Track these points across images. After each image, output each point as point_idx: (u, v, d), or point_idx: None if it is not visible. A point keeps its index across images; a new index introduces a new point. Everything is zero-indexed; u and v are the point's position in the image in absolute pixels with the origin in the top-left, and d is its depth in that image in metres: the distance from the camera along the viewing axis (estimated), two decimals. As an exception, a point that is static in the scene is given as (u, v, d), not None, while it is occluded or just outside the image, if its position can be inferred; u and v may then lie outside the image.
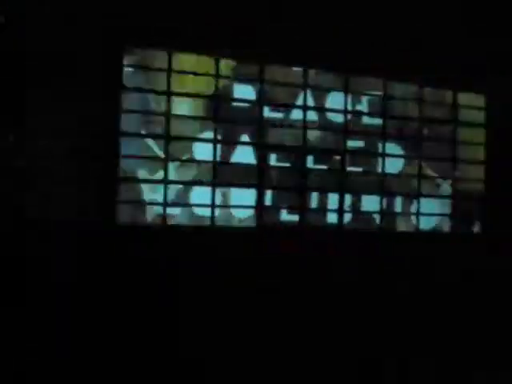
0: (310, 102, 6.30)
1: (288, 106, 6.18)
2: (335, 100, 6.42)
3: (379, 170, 6.56)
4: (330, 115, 6.39)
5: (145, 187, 5.56)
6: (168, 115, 5.59)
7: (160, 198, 5.58)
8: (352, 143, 6.49)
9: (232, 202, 5.92)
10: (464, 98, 7.05)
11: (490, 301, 6.68)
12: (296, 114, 6.20)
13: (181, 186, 5.74)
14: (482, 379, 5.71)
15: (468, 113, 7.11)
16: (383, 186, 6.56)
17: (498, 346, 6.38)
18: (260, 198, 5.90)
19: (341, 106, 6.40)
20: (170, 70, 5.60)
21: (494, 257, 6.90)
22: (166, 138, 5.58)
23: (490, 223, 7.09)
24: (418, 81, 6.76)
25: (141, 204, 5.54)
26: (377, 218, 6.59)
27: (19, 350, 4.84)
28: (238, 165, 5.90)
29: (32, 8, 5.06)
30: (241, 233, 5.80)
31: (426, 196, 6.84)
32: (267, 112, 6.06)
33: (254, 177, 5.94)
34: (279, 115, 6.15)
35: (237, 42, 5.75)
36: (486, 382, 5.71)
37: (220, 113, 5.82)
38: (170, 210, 5.62)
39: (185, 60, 5.67)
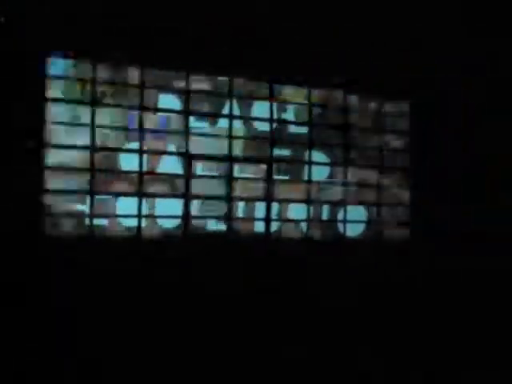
0: (236, 112, 6.76)
1: (214, 116, 6.64)
2: (261, 109, 6.89)
3: (305, 177, 7.08)
4: (257, 124, 6.87)
5: (73, 198, 5.93)
6: (93, 126, 5.96)
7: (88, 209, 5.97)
8: (279, 152, 6.98)
9: (158, 212, 6.35)
10: (389, 106, 7.66)
11: (413, 304, 7.32)
12: (222, 124, 6.66)
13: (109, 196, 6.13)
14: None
15: (393, 120, 7.71)
16: (310, 194, 7.10)
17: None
18: (186, 207, 6.35)
19: (267, 115, 6.88)
20: (94, 81, 5.98)
21: (423, 262, 7.53)
22: (92, 149, 5.95)
23: (416, 229, 7.70)
24: (344, 89, 7.30)
25: (69, 215, 5.91)
26: (303, 225, 7.09)
27: None
28: (165, 174, 6.33)
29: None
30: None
31: (352, 204, 7.38)
32: (193, 122, 6.49)
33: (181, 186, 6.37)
34: (205, 125, 6.60)
35: (162, 51, 6.18)
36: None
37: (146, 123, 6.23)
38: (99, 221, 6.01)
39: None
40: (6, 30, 5.42)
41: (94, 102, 6.06)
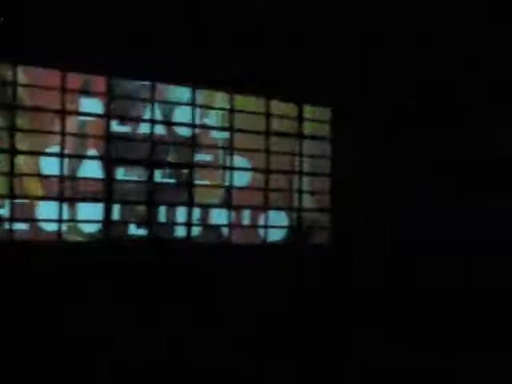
0: (159, 116, 7.00)
1: (136, 120, 6.85)
2: (183, 114, 7.15)
3: (227, 183, 7.38)
4: (179, 129, 7.13)
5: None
6: (13, 129, 6.09)
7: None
8: (201, 157, 7.26)
9: (80, 217, 6.53)
10: (309, 111, 8.05)
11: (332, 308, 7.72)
12: (144, 128, 6.88)
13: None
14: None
15: (313, 126, 8.11)
16: (231, 199, 7.39)
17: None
18: (108, 212, 6.54)
19: (189, 120, 7.15)
20: (15, 84, 6.11)
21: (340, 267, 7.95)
22: (11, 153, 6.07)
23: (335, 235, 8.11)
24: (265, 94, 7.63)
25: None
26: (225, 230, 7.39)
27: None
28: (86, 179, 6.51)
29: None
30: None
31: (273, 209, 7.72)
32: (115, 126, 6.69)
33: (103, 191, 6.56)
34: (127, 129, 6.81)
35: (86, 55, 6.36)
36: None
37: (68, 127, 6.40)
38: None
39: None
40: None
41: (13, 106, 6.18)
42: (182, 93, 7.27)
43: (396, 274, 8.26)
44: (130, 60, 6.71)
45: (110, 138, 6.73)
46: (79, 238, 6.62)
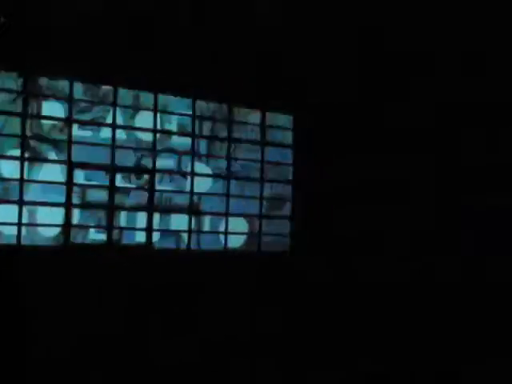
0: (120, 121, 7.12)
1: (97, 125, 6.96)
2: (145, 119, 7.28)
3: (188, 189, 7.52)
4: (140, 134, 7.25)
5: None
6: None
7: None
8: (162, 162, 7.38)
9: (39, 221, 6.61)
10: (272, 118, 8.22)
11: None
12: (106, 133, 6.99)
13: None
14: None
15: (276, 133, 8.29)
16: (192, 204, 7.53)
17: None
18: (68, 216, 6.64)
19: (150, 126, 7.28)
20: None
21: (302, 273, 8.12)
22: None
23: (297, 242, 8.29)
24: (228, 100, 7.80)
25: None
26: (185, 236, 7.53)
27: None
28: (46, 183, 6.60)
29: None
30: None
31: (234, 215, 7.88)
32: (76, 130, 6.80)
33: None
34: (88, 133, 6.91)
35: (46, 59, 6.45)
36: None
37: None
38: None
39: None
40: None
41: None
42: (145, 98, 7.39)
43: (364, 281, 8.46)
44: (92, 64, 6.83)
45: (72, 142, 6.83)
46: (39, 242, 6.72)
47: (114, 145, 7.11)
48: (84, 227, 6.97)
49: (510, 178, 7.94)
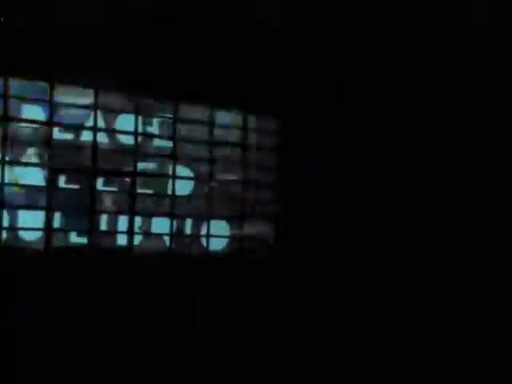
0: (101, 124, 7.20)
1: (78, 128, 7.04)
2: (126, 122, 7.37)
3: (170, 192, 7.62)
4: (121, 137, 7.33)
5: None
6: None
7: None
8: (143, 165, 7.48)
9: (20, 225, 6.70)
10: (255, 121, 8.34)
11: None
12: (86, 136, 7.07)
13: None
14: None
15: (259, 136, 8.40)
16: (174, 208, 7.63)
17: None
18: (48, 220, 6.72)
19: (131, 128, 7.37)
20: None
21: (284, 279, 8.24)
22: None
23: (281, 246, 8.40)
24: (210, 104, 7.90)
25: None
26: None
27: None
28: (26, 186, 6.68)
29: None
30: None
31: (216, 218, 7.98)
32: (57, 133, 6.88)
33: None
34: (69, 136, 6.99)
35: (26, 61, 6.53)
36: None
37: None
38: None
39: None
40: None
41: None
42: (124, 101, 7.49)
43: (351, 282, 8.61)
44: (72, 66, 6.91)
45: (52, 145, 6.89)
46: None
47: (95, 148, 7.18)
48: (65, 231, 7.04)
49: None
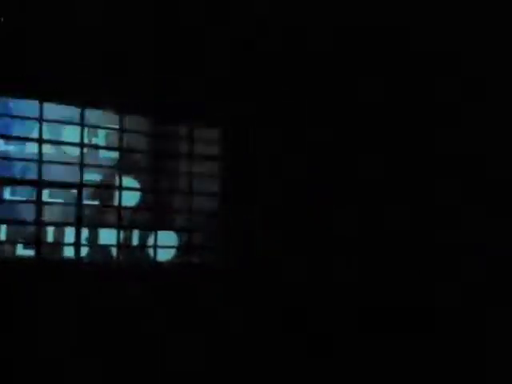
0: (46, 135, 7.31)
1: (22, 139, 7.14)
2: (72, 133, 7.49)
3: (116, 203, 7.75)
4: (67, 148, 7.45)
5: None
6: None
7: None
8: (90, 176, 7.60)
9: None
10: (198, 131, 8.53)
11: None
12: (31, 147, 7.18)
13: None
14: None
15: (202, 146, 8.59)
16: (121, 219, 7.76)
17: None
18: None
19: (77, 139, 7.50)
20: None
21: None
22: None
23: (222, 255, 8.58)
24: (153, 115, 8.07)
25: None
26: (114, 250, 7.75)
27: None
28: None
29: None
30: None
31: (163, 229, 8.14)
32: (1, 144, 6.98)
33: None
34: (13, 148, 7.09)
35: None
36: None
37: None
38: None
39: None
40: None
41: None
42: (72, 112, 7.60)
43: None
44: (17, 78, 7.00)
45: (-4, 157, 6.98)
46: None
47: (40, 159, 7.28)
48: (11, 242, 7.12)
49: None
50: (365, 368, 8.69)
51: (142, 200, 8.11)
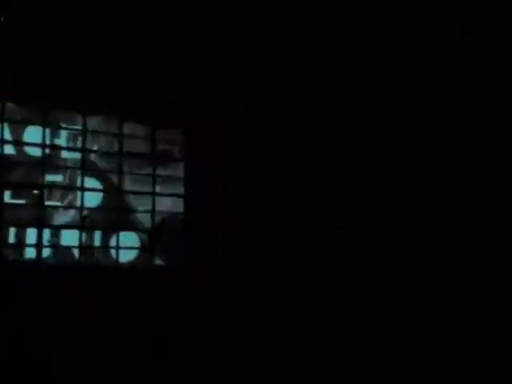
0: (7, 136, 7.32)
1: (-16, 140, 7.19)
2: (33, 134, 7.50)
3: (79, 204, 7.78)
4: (28, 149, 7.46)
5: None
6: None
7: None
8: (52, 177, 7.62)
9: None
10: (162, 132, 8.60)
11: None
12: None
13: None
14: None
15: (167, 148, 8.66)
16: (83, 220, 7.80)
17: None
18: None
19: (39, 140, 7.52)
20: None
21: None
22: None
23: (189, 256, 8.66)
24: (117, 116, 8.11)
25: None
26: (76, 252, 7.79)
27: None
28: None
29: None
30: None
31: (124, 230, 8.18)
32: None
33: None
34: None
35: None
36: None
37: None
38: None
39: None
40: None
41: None
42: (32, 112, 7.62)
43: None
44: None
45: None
46: None
47: (1, 160, 7.29)
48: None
49: None
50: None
51: (104, 201, 8.13)
